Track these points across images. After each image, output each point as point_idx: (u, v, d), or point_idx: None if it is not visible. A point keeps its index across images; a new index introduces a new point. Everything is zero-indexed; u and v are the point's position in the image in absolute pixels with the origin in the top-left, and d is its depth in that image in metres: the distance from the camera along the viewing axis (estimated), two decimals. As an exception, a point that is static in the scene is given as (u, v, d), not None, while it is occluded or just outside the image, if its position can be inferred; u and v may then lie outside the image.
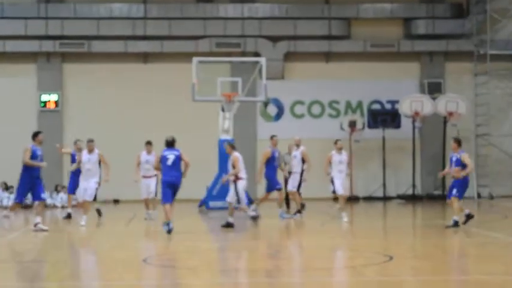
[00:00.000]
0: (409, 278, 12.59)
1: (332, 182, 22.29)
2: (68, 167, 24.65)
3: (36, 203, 19.93)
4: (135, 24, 32.70)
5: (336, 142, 22.30)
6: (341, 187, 22.02)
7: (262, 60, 28.12)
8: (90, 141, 21.39)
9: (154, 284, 12.36)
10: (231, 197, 20.36)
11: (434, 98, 32.34)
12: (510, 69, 33.74)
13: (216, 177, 26.88)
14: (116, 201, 31.91)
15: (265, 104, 32.71)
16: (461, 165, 19.23)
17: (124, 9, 32.83)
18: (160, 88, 32.78)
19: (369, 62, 33.61)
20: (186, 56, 30.03)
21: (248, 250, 16.66)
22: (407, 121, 32.36)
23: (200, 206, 27.59)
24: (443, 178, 29.69)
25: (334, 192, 22.70)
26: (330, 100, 33.72)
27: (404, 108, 32.02)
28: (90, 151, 21.25)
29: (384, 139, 32.47)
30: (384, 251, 15.57)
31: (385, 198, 32.40)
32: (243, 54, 32.62)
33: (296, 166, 23.12)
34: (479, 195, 32.24)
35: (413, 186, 32.17)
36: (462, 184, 19.37)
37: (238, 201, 20.32)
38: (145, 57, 33.29)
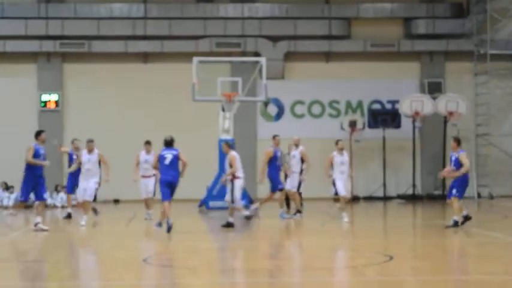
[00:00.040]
0: (409, 278, 12.59)
1: (334, 183, 22.14)
2: (66, 167, 24.64)
3: (37, 202, 19.94)
4: (135, 24, 32.68)
5: (337, 142, 22.13)
6: (343, 189, 21.84)
7: (263, 60, 28.11)
8: (90, 141, 21.34)
9: (154, 284, 12.37)
10: (228, 196, 20.35)
11: (434, 98, 32.32)
12: (510, 69, 33.71)
13: (216, 177, 26.84)
14: (116, 201, 31.91)
15: (266, 103, 32.68)
16: (460, 164, 19.23)
17: (124, 9, 32.81)
18: (161, 88, 32.75)
19: (369, 62, 33.58)
20: (186, 56, 30.02)
21: (248, 250, 16.66)
22: (407, 121, 32.33)
23: (200, 205, 27.57)
24: (444, 178, 29.66)
25: (336, 194, 22.61)
26: (330, 100, 33.70)
27: (405, 108, 32.00)
28: (90, 151, 21.21)
29: (384, 139, 32.44)
30: (384, 251, 15.58)
31: (386, 198, 32.37)
32: (243, 54, 32.59)
33: (295, 166, 23.08)
34: (479, 195, 32.22)
35: (414, 186, 32.15)
36: (462, 184, 19.35)
37: (233, 201, 20.23)
38: (145, 57, 33.27)
